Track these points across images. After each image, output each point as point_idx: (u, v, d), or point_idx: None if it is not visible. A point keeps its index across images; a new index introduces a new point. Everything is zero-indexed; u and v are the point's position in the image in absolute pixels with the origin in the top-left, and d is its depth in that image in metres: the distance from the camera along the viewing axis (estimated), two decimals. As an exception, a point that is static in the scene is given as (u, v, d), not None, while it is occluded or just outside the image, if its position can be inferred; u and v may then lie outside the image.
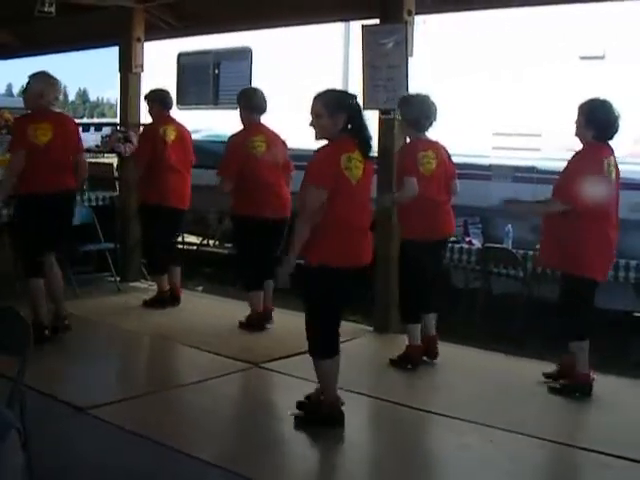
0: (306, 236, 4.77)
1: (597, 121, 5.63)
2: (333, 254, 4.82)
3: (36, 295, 6.67)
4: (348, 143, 4.90)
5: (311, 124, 4.93)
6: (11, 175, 6.57)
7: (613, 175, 5.66)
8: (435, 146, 6.29)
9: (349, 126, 4.91)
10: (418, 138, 6.27)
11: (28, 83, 6.70)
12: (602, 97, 5.73)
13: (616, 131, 5.65)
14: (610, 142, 5.68)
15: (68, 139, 6.76)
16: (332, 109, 4.87)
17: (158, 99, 8.06)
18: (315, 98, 4.95)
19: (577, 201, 5.46)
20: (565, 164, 5.74)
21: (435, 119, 6.23)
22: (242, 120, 7.23)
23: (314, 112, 4.91)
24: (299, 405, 5.16)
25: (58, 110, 7.01)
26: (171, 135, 7.91)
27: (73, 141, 6.86)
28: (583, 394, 5.68)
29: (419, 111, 6.22)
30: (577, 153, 5.72)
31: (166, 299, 8.06)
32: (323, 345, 5.01)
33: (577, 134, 5.73)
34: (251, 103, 7.21)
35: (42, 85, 6.64)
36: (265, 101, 7.24)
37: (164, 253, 8.07)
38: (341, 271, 4.82)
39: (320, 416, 5.04)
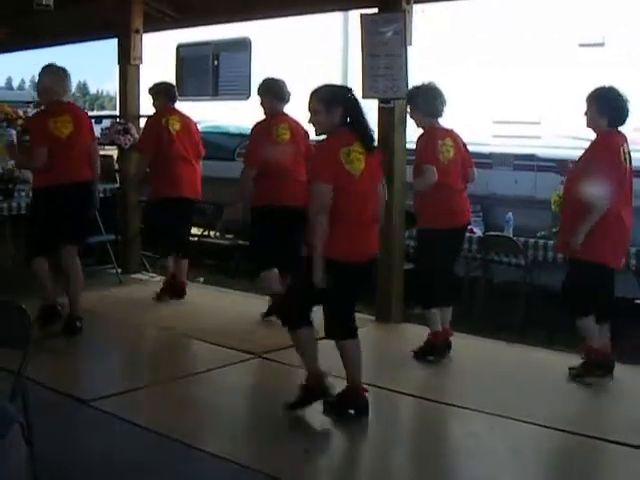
0: (325, 231, 4.79)
1: (610, 108, 5.64)
2: (340, 248, 4.84)
3: (40, 276, 6.69)
4: (346, 136, 4.91)
5: (309, 121, 4.99)
6: (31, 170, 6.67)
7: (628, 162, 5.69)
8: (452, 134, 6.32)
9: (348, 119, 4.92)
10: (434, 127, 6.27)
11: (39, 78, 6.75)
12: (607, 84, 5.73)
13: (627, 116, 5.67)
14: (621, 128, 5.70)
15: (86, 130, 6.83)
16: (328, 104, 4.89)
17: (163, 91, 8.08)
18: (311, 94, 4.98)
19: (611, 198, 5.50)
20: (584, 156, 5.76)
21: (446, 105, 6.27)
22: (265, 109, 7.18)
23: (311, 109, 4.95)
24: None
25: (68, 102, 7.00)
26: (175, 125, 7.91)
27: (89, 131, 6.92)
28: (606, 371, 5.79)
29: (432, 99, 6.25)
30: (595, 145, 5.71)
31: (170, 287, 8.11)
32: (294, 313, 5.08)
33: (590, 125, 5.74)
34: (274, 91, 7.17)
35: (51, 78, 6.66)
36: (288, 90, 7.19)
37: (169, 240, 8.09)
38: (348, 265, 4.85)
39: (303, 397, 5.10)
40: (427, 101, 6.25)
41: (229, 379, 5.93)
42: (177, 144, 7.84)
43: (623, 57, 7.53)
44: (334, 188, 4.80)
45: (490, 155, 8.61)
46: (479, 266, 8.25)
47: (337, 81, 9.53)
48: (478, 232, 8.25)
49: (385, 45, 7.06)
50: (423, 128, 6.32)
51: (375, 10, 7.28)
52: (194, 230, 11.97)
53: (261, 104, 7.18)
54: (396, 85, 6.92)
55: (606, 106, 5.64)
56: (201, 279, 9.53)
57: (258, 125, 7.17)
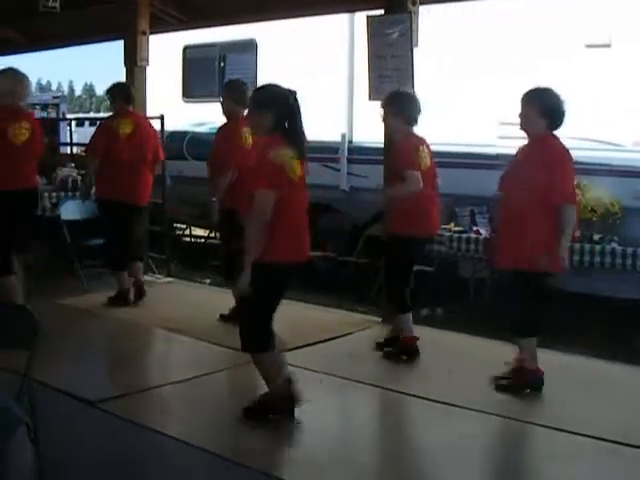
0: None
1: (551, 110, 5.57)
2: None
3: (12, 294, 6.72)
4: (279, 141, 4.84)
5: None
6: None
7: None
8: (426, 142, 6.36)
9: (286, 124, 4.85)
10: (412, 134, 6.33)
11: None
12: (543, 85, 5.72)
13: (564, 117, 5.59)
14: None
15: (38, 139, 6.79)
16: (258, 106, 4.84)
17: (119, 93, 8.04)
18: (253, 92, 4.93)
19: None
20: None
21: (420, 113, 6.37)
22: (228, 111, 7.18)
23: (248, 109, 4.92)
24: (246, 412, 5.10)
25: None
26: (126, 128, 7.83)
27: (40, 141, 6.86)
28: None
29: (414, 106, 6.31)
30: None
31: (127, 296, 8.01)
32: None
33: (529, 126, 5.65)
34: (235, 95, 7.16)
35: (11, 82, 6.67)
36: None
37: (122, 250, 8.01)
38: (284, 266, 4.87)
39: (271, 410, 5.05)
40: (409, 108, 6.30)
41: (233, 380, 5.94)
42: (123, 148, 7.74)
43: (630, 58, 7.52)
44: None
45: (496, 156, 8.59)
46: (485, 267, 8.24)
47: (343, 83, 9.63)
48: (484, 233, 8.24)
49: (391, 46, 7.06)
50: (395, 133, 6.37)
51: (381, 11, 7.29)
52: (200, 232, 12.03)
53: (226, 107, 7.17)
54: (402, 87, 6.92)
55: (548, 108, 5.60)
56: (207, 280, 9.55)
57: (225, 127, 7.18)
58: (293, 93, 4.89)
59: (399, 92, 6.44)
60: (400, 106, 6.30)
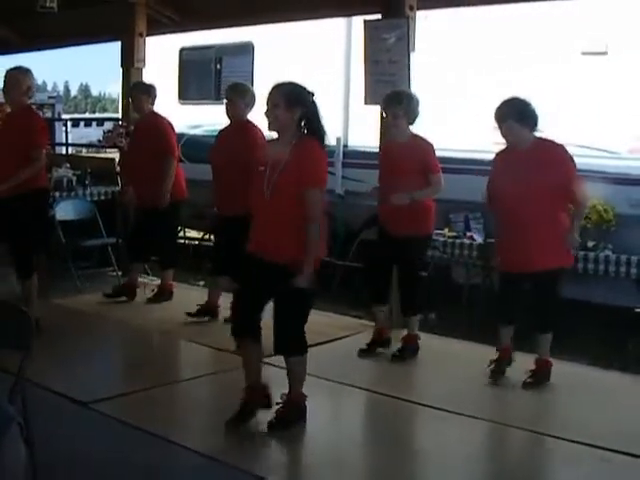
0: None
1: (528, 117, 5.75)
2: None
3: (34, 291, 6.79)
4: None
5: (266, 113, 4.87)
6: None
7: None
8: None
9: (303, 123, 4.85)
10: (418, 135, 6.35)
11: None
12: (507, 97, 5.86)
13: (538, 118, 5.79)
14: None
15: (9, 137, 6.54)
16: (288, 101, 4.79)
17: (154, 94, 8.08)
18: (273, 87, 4.90)
19: None
20: None
21: None
22: (243, 115, 7.13)
23: (271, 101, 4.84)
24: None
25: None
26: None
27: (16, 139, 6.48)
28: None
29: (418, 107, 6.32)
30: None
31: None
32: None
33: (516, 139, 5.77)
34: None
35: (30, 80, 6.66)
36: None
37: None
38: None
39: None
40: (416, 108, 6.32)
41: (228, 383, 5.92)
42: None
43: (626, 66, 7.53)
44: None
45: (491, 162, 8.60)
46: (479, 273, 8.24)
47: (339, 86, 9.63)
48: (479, 239, 8.23)
49: (388, 51, 7.07)
50: (403, 135, 6.31)
51: (378, 16, 7.29)
52: (194, 234, 12.02)
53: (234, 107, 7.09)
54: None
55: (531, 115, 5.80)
56: (201, 283, 9.53)
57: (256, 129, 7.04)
58: (312, 94, 4.90)
59: (405, 92, 6.46)
60: (410, 106, 6.29)
